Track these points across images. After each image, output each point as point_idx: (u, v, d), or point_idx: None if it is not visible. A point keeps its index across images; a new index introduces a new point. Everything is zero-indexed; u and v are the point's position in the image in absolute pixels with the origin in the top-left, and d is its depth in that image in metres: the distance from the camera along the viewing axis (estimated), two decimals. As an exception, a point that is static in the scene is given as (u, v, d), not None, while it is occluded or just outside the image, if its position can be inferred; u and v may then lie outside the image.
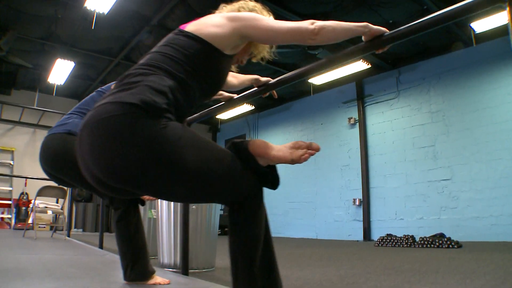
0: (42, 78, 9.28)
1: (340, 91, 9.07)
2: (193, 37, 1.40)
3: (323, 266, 3.50)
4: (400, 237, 6.23)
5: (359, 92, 8.61)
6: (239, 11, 1.64)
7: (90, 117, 1.17)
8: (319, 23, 1.40)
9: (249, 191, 1.34)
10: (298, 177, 9.67)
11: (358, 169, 8.36)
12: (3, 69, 8.45)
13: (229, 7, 1.70)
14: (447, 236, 5.92)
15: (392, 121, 7.94)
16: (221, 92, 2.35)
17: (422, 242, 5.81)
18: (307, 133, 9.80)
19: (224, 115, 11.63)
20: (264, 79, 2.14)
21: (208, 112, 2.76)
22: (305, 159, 1.30)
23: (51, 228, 8.26)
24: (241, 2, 1.72)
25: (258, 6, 1.72)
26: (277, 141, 10.42)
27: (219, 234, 4.01)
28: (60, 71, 8.44)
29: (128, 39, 7.58)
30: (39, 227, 8.12)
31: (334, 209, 8.73)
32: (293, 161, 1.31)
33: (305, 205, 9.47)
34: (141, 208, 2.40)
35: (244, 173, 1.34)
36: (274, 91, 2.28)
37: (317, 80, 8.60)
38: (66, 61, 7.97)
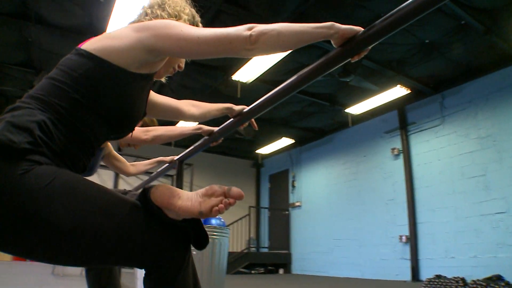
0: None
1: (381, 120, 8.61)
2: (83, 54, 1.13)
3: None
4: (450, 279, 5.55)
5: (401, 120, 8.10)
6: (153, 17, 1.36)
7: None
8: (259, 27, 1.13)
9: (160, 251, 1.04)
10: (343, 212, 9.18)
11: (404, 203, 7.73)
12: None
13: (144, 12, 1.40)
14: (506, 279, 5.19)
15: (438, 150, 7.32)
16: (199, 126, 2.16)
17: (474, 286, 5.11)
18: (350, 166, 9.32)
19: (265, 150, 11.48)
20: (238, 107, 1.89)
21: (197, 148, 2.48)
22: (219, 212, 1.00)
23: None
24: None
25: (187, 8, 1.44)
26: (320, 176, 10.07)
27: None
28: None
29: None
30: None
31: (380, 246, 8.09)
32: (201, 214, 1.00)
33: (349, 243, 8.89)
34: None
35: (150, 229, 1.04)
36: (254, 122, 2.04)
37: (356, 109, 8.24)
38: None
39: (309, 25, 1.17)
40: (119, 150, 6.41)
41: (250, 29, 1.13)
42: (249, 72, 6.83)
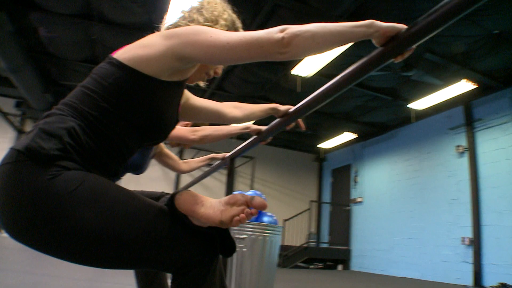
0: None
1: (446, 116, 8.18)
2: (114, 63, 1.13)
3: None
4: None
5: (467, 116, 7.64)
6: (190, 22, 1.33)
7: None
8: (291, 29, 1.07)
9: (186, 257, 1.04)
10: (405, 210, 8.89)
11: (468, 203, 7.32)
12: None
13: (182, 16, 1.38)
14: None
15: (507, 149, 6.83)
16: (247, 125, 2.12)
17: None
18: (413, 163, 8.98)
19: (328, 144, 11.37)
20: (283, 108, 1.82)
21: (247, 146, 2.46)
22: (240, 222, 0.98)
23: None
24: (200, 8, 1.38)
25: (226, 13, 1.40)
26: (382, 172, 9.84)
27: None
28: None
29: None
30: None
31: (442, 248, 7.74)
32: (222, 223, 0.99)
33: (410, 242, 8.59)
34: None
35: (176, 235, 1.05)
36: (301, 122, 1.96)
37: (419, 105, 7.91)
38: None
39: (346, 24, 1.10)
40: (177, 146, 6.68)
41: (282, 31, 1.07)
42: (309, 66, 6.80)
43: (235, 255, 3.46)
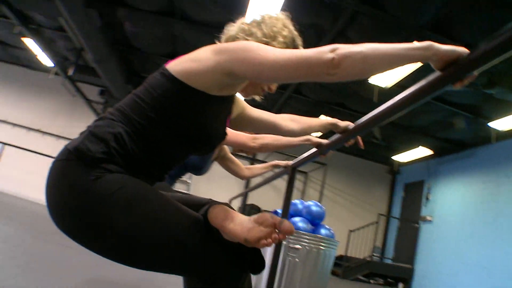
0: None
1: (531, 139, 7.55)
2: (165, 74, 1.16)
3: None
4: None
5: (554, 141, 7.00)
6: (247, 36, 1.34)
7: None
8: (342, 49, 1.01)
9: (215, 268, 1.08)
10: (476, 236, 8.32)
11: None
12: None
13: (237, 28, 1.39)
14: None
15: None
16: (308, 137, 2.06)
17: None
18: (490, 187, 8.37)
19: (402, 157, 10.98)
20: (343, 124, 1.74)
21: (308, 158, 2.41)
22: (266, 245, 0.98)
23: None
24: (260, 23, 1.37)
25: (286, 30, 1.38)
26: (456, 192, 9.36)
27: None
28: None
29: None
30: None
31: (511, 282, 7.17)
32: (247, 242, 0.99)
33: (478, 270, 8.03)
34: None
35: (206, 245, 1.08)
36: (360, 140, 1.91)
37: (501, 125, 7.39)
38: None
39: (402, 46, 1.02)
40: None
41: (333, 51, 1.01)
42: (387, 76, 6.65)
43: (286, 264, 3.50)
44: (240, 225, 1.01)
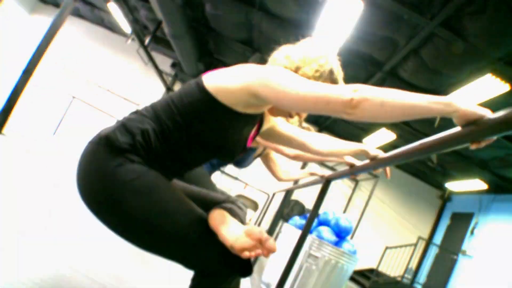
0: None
1: None
2: (199, 84, 1.23)
3: None
4: None
5: None
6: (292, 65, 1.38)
7: None
8: (364, 92, 1.03)
9: (208, 263, 1.21)
10: (515, 282, 7.96)
11: None
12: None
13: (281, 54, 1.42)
14: None
15: None
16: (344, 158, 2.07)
17: None
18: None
19: (456, 186, 10.61)
20: (373, 152, 1.72)
21: (342, 173, 2.33)
22: (248, 256, 1.08)
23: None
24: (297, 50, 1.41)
25: (325, 60, 1.40)
26: (504, 233, 8.94)
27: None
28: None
29: (362, 80, 7.76)
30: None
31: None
32: (232, 248, 1.11)
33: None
34: None
35: (204, 241, 1.20)
36: (387, 170, 1.94)
37: None
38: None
39: (423, 98, 0.99)
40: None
41: (355, 90, 1.03)
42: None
43: (302, 269, 3.56)
44: (231, 232, 1.12)
